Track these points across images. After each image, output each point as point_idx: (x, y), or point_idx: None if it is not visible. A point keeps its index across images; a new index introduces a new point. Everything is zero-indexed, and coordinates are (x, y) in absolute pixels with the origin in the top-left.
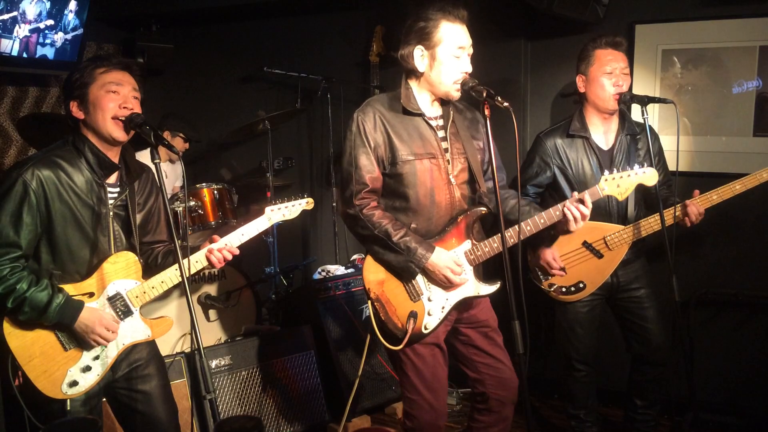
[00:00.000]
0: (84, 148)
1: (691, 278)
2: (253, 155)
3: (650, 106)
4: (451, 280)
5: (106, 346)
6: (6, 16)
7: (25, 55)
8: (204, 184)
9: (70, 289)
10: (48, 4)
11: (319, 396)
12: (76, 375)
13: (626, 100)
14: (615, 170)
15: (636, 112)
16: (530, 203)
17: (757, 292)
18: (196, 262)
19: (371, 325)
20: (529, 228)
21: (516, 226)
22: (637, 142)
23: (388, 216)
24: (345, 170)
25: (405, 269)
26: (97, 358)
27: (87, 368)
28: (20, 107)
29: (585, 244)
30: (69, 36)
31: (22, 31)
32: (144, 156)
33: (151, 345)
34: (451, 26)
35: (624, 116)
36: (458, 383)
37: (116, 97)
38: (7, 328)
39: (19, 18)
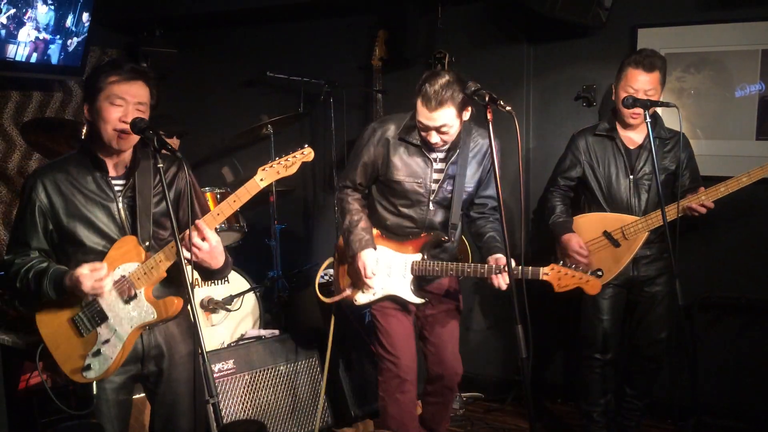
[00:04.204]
0: (85, 150)
1: (694, 282)
2: (256, 159)
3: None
4: (361, 274)
5: (102, 292)
6: (8, 15)
7: (29, 60)
8: (207, 188)
9: None
10: (52, 9)
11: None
12: (90, 359)
13: (629, 104)
14: (563, 263)
15: None
16: (500, 240)
17: (761, 296)
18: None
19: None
20: (469, 270)
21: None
22: (665, 146)
23: (360, 212)
24: (350, 159)
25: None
26: (107, 341)
27: (97, 353)
28: (24, 112)
29: (605, 233)
30: (73, 41)
31: (26, 36)
32: None
33: (187, 347)
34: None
35: (655, 119)
36: (461, 388)
37: (118, 110)
38: (39, 317)
39: (23, 23)
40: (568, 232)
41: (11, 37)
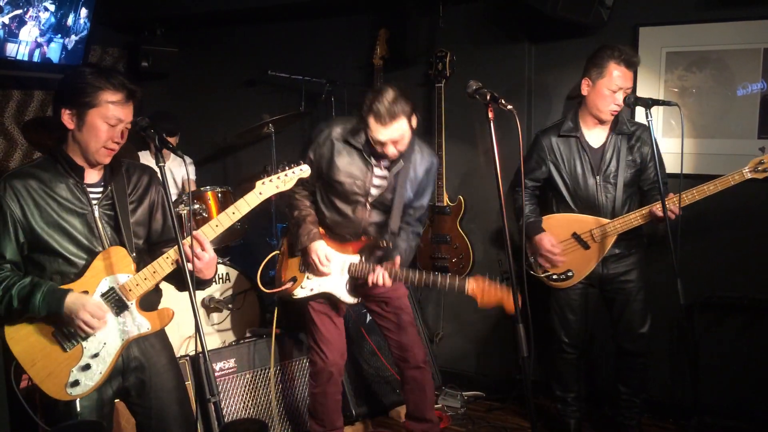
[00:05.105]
0: (57, 155)
1: (696, 282)
2: (257, 158)
3: (654, 109)
4: (316, 263)
5: (91, 335)
6: (10, 16)
7: (30, 59)
8: (208, 187)
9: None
10: (53, 9)
11: None
12: (77, 374)
13: (630, 102)
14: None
15: (640, 115)
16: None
17: (762, 296)
18: (172, 262)
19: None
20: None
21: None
22: (629, 140)
23: (308, 208)
24: (300, 157)
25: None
26: (96, 356)
27: (86, 366)
28: (25, 111)
29: (574, 235)
30: (74, 40)
31: (27, 35)
32: (145, 156)
33: (167, 355)
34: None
35: (617, 116)
36: (463, 387)
37: (111, 130)
38: (9, 333)
39: (24, 22)
40: (539, 233)
41: (12, 36)
